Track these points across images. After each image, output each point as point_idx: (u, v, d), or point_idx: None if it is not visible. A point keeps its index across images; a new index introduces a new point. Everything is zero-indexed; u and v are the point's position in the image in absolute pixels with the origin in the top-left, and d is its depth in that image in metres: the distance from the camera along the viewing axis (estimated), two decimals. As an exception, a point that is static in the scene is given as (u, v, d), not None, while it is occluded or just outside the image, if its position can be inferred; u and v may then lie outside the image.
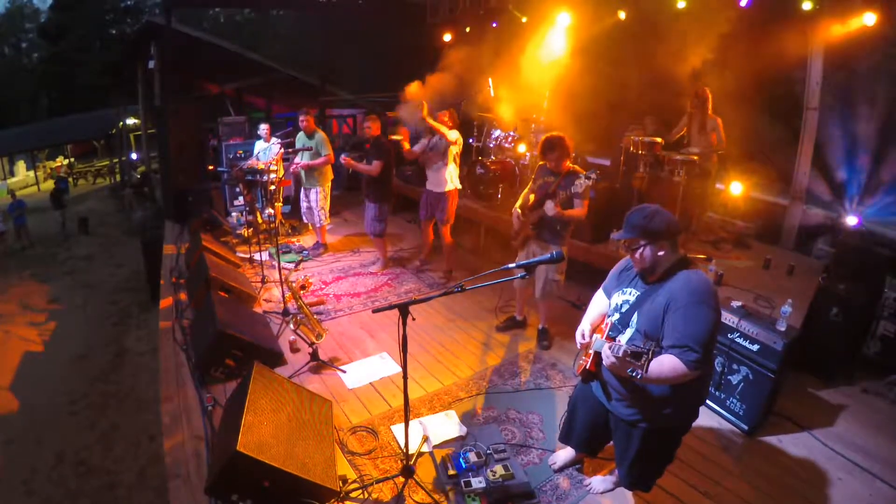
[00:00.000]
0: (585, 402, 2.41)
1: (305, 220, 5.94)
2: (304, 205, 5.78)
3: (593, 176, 3.31)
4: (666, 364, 1.82)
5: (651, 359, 1.71)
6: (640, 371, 1.71)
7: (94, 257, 11.55)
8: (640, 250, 1.96)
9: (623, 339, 2.03)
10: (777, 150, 4.94)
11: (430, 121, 4.63)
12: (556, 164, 3.49)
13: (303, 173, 5.59)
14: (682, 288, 1.89)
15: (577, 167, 3.55)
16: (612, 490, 2.57)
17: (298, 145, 5.53)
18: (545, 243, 3.67)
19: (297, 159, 5.51)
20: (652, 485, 2.36)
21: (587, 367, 2.17)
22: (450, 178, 4.88)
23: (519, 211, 3.74)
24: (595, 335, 2.16)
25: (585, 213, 3.50)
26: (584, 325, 2.28)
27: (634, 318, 2.02)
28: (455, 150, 4.82)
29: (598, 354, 2.07)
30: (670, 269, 1.97)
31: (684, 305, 1.85)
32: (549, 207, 3.42)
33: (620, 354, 1.77)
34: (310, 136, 5.48)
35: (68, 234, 12.88)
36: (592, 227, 4.54)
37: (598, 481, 2.61)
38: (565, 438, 2.61)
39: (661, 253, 1.94)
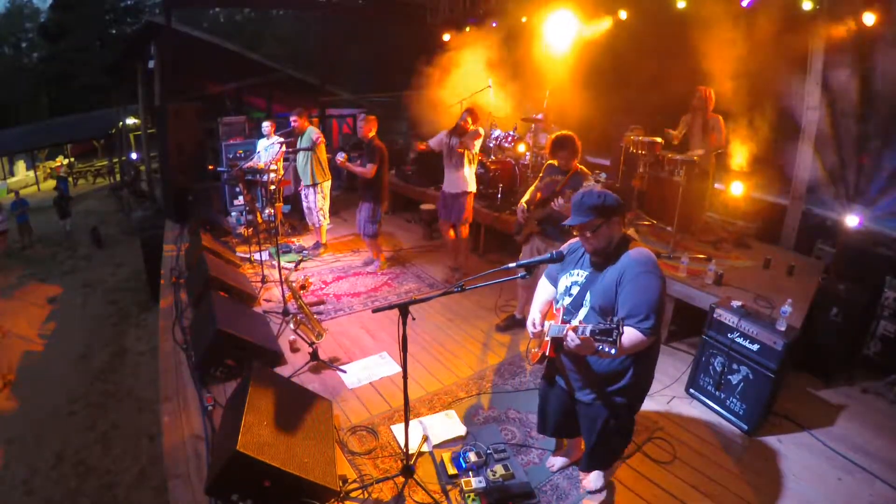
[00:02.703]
0: (553, 392, 2.45)
1: (307, 220, 5.94)
2: (304, 204, 5.79)
3: (602, 178, 3.37)
4: (625, 336, 1.88)
5: (622, 332, 1.74)
6: (612, 347, 1.74)
7: (93, 257, 11.54)
8: (598, 230, 2.03)
9: (577, 320, 2.08)
10: (777, 150, 4.93)
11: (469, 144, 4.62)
12: (566, 162, 3.55)
13: (301, 173, 5.59)
14: (630, 261, 2.01)
15: (583, 168, 3.61)
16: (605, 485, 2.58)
17: (300, 145, 5.55)
18: (550, 240, 3.71)
19: (300, 158, 5.53)
20: (609, 465, 2.44)
21: (546, 354, 2.19)
22: (466, 179, 4.80)
23: (524, 206, 3.75)
24: (548, 322, 2.20)
25: None
26: (535, 314, 2.31)
27: (587, 297, 2.09)
28: (476, 147, 4.73)
29: (555, 340, 2.10)
30: (619, 245, 2.07)
31: (635, 276, 1.97)
32: (560, 203, 3.43)
33: (588, 335, 1.81)
34: (302, 134, 5.51)
35: (73, 247, 12.04)
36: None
37: (593, 478, 2.61)
38: (542, 429, 2.65)
39: (615, 230, 2.04)
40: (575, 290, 2.15)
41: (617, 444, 2.34)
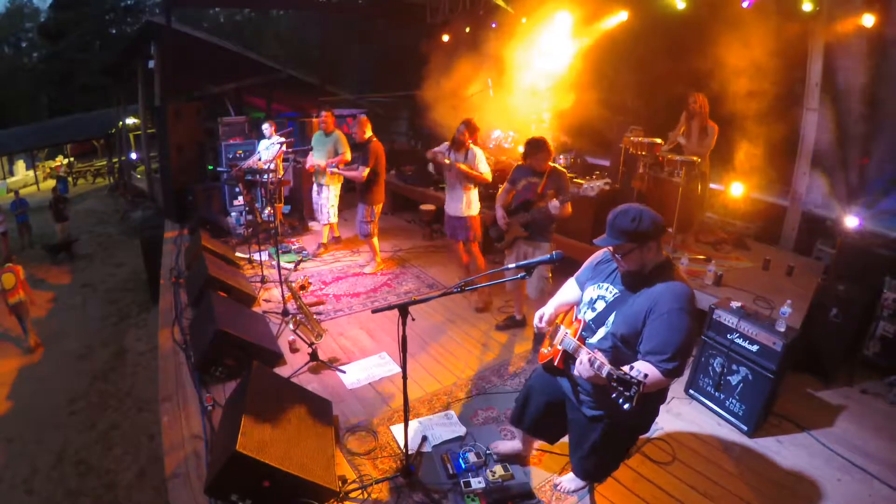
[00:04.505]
0: (543, 389, 2.37)
1: (316, 217, 5.99)
2: (315, 200, 5.84)
3: (596, 186, 3.46)
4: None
5: (641, 391, 1.60)
6: (627, 402, 1.60)
7: (93, 257, 11.54)
8: (629, 254, 1.88)
9: (595, 339, 1.99)
10: (777, 150, 4.94)
11: (463, 167, 4.28)
12: (542, 163, 3.58)
13: (317, 170, 5.61)
14: (664, 293, 1.83)
15: (557, 166, 3.64)
16: (584, 488, 2.58)
17: (314, 144, 5.66)
18: (536, 242, 3.72)
19: (310, 158, 5.63)
20: (606, 477, 2.36)
21: (555, 363, 2.09)
22: (468, 203, 4.48)
23: (503, 212, 3.75)
24: (566, 330, 2.09)
25: (570, 210, 3.60)
26: (548, 309, 2.21)
27: (611, 318, 1.95)
28: (482, 167, 4.36)
29: (567, 354, 2.03)
30: (655, 271, 1.91)
31: (667, 312, 1.79)
32: (555, 206, 3.45)
33: (605, 375, 1.69)
34: (328, 134, 5.56)
35: (60, 260, 11.08)
36: (593, 227, 4.55)
37: (567, 479, 2.61)
38: (516, 422, 2.55)
39: (650, 255, 1.89)
40: (600, 306, 2.01)
41: (611, 458, 2.24)
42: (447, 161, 4.38)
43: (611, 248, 1.92)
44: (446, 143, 4.51)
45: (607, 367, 1.70)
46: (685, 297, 1.83)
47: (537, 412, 2.42)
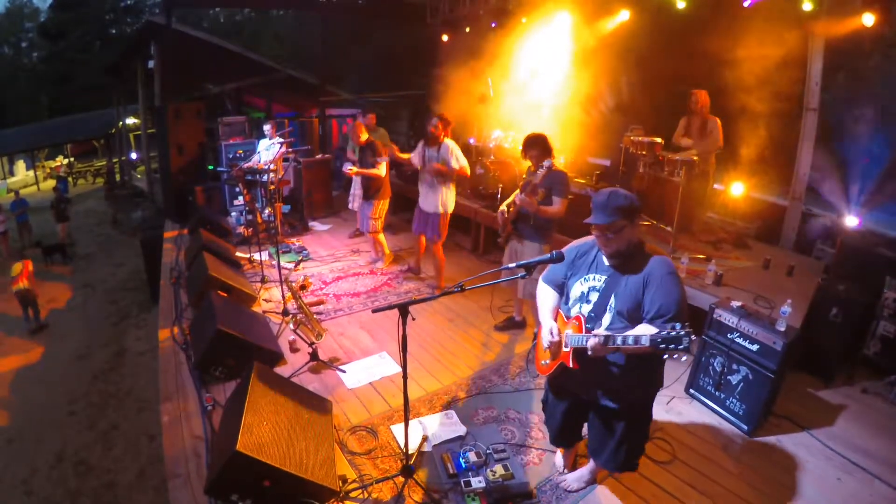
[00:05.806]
0: (556, 401, 2.43)
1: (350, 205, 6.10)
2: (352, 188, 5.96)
3: (546, 164, 3.35)
4: None
5: (691, 338, 1.66)
6: (686, 352, 1.67)
7: (93, 257, 11.54)
8: (622, 231, 1.97)
9: (602, 328, 2.02)
10: (777, 150, 4.94)
11: (437, 166, 4.35)
12: (537, 161, 3.51)
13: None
14: (654, 264, 1.98)
15: (559, 167, 3.59)
16: (587, 487, 2.59)
17: (349, 147, 5.78)
18: (521, 238, 3.71)
19: (349, 154, 5.79)
20: (637, 463, 2.39)
21: (568, 366, 2.06)
22: (443, 200, 4.55)
23: (504, 208, 3.76)
24: (566, 331, 2.09)
25: (562, 210, 3.48)
26: (551, 322, 2.20)
27: (612, 301, 2.02)
28: (458, 162, 4.44)
29: (578, 351, 2.01)
30: (636, 248, 2.03)
31: (663, 276, 1.94)
32: (520, 197, 3.44)
33: (649, 344, 1.73)
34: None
35: (53, 261, 10.86)
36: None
37: (574, 478, 2.61)
38: (556, 441, 2.64)
39: (636, 231, 2.02)
40: (594, 297, 2.06)
41: (640, 440, 2.31)
42: (418, 164, 4.57)
43: (603, 226, 1.98)
44: (421, 143, 4.57)
45: (646, 336, 1.75)
46: (671, 264, 2.01)
47: (559, 426, 2.47)
